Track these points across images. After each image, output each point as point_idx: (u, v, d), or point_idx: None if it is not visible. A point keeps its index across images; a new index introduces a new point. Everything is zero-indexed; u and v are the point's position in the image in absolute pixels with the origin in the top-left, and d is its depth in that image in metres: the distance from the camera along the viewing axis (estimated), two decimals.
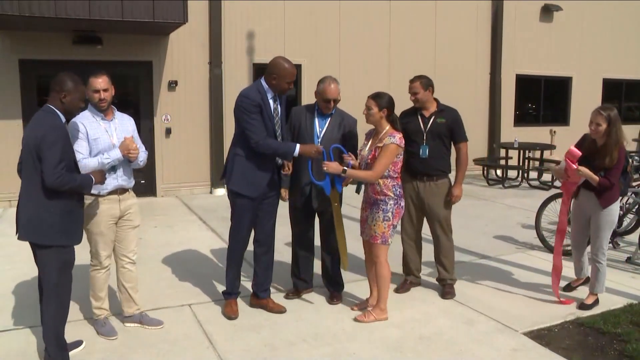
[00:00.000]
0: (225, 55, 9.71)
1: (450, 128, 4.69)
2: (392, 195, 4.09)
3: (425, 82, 4.63)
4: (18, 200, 3.38)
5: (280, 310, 4.39)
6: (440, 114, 4.69)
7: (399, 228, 4.62)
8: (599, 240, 4.47)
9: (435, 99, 4.75)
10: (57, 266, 3.34)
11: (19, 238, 3.34)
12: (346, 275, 4.91)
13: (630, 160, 4.73)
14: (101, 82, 3.77)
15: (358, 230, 4.46)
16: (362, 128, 4.41)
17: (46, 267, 3.34)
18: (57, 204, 3.27)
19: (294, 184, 4.52)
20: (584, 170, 4.31)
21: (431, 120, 4.66)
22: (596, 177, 4.30)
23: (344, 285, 4.74)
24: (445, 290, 4.80)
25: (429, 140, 4.64)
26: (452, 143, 4.78)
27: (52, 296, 3.37)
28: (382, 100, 4.10)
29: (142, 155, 3.99)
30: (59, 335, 3.42)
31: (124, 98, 9.51)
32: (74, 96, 3.39)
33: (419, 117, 4.68)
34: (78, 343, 3.75)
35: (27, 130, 3.31)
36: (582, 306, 4.53)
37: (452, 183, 4.76)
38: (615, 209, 4.45)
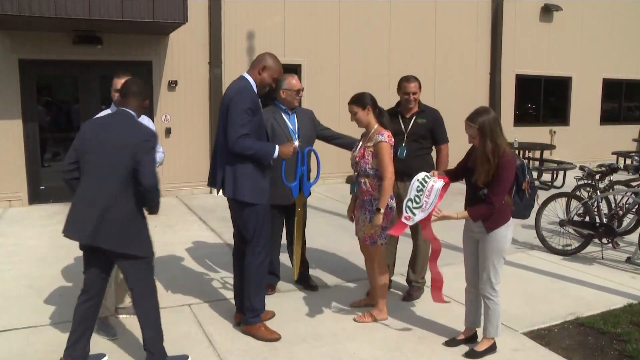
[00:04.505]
0: (225, 55, 9.71)
1: (430, 129, 4.59)
2: (378, 195, 4.02)
3: (420, 84, 4.58)
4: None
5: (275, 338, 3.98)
6: (420, 114, 4.59)
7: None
8: (485, 272, 3.68)
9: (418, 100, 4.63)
10: (143, 276, 3.36)
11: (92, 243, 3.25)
12: (346, 274, 4.91)
13: (528, 177, 3.66)
14: None
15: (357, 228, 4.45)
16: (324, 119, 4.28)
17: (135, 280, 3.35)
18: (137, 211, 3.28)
19: (275, 181, 4.34)
20: (443, 214, 3.60)
21: (412, 121, 4.58)
22: (465, 213, 3.57)
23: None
24: (409, 291, 4.74)
25: (409, 142, 4.54)
26: (433, 144, 4.65)
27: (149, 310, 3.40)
28: (362, 100, 4.05)
29: (159, 156, 4.04)
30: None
31: None
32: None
33: (400, 118, 4.60)
34: (100, 356, 3.63)
35: (122, 133, 3.25)
36: (471, 353, 3.73)
37: None
38: (503, 234, 3.59)
